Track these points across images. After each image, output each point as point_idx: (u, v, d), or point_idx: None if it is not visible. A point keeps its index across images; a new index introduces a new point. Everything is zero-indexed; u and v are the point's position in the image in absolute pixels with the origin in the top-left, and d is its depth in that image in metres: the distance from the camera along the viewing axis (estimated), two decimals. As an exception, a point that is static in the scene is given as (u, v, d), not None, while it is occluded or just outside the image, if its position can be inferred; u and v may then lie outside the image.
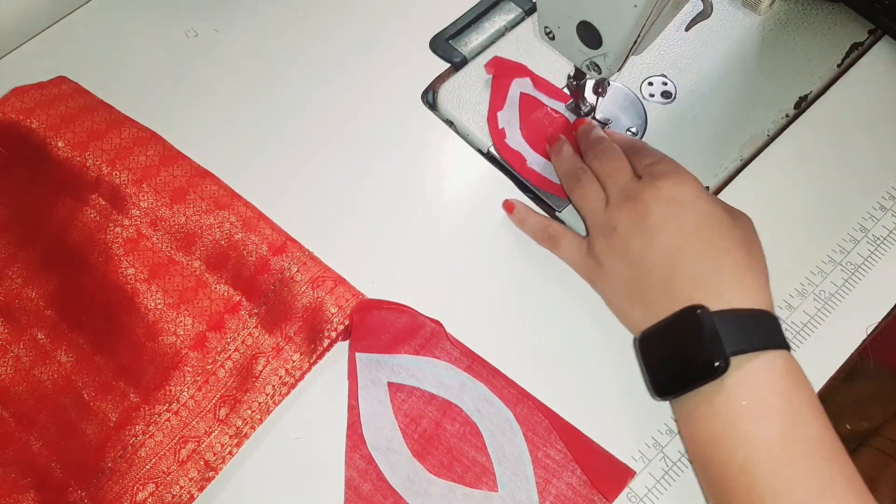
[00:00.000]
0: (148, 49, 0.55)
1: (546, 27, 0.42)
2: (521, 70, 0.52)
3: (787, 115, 0.50)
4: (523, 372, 0.43)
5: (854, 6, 0.53)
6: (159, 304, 0.44)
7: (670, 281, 0.39)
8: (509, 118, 0.50)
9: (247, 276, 0.44)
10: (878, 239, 0.46)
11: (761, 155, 0.49)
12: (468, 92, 0.52)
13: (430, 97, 0.53)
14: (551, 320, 0.45)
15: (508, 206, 0.47)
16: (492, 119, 0.50)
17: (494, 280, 0.46)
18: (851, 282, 0.45)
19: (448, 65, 0.54)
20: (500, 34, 0.55)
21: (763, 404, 0.36)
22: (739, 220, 0.41)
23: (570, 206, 0.48)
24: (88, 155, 0.47)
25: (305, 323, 0.43)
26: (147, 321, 0.43)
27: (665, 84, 0.52)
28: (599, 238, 0.43)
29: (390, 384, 0.43)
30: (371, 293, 0.44)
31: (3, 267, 0.48)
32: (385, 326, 0.43)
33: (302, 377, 0.43)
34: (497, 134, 0.50)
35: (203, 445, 0.41)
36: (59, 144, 0.47)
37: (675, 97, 0.51)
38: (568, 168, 0.46)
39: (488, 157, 0.50)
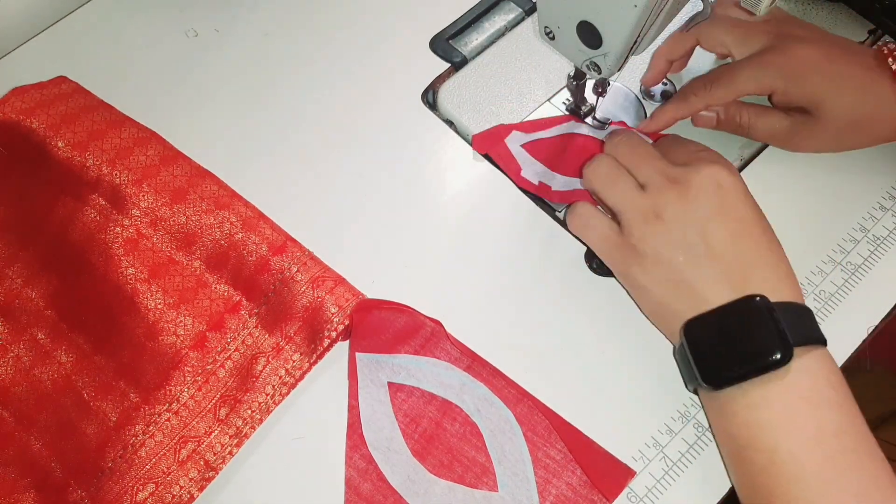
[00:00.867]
0: (148, 49, 0.55)
1: (546, 27, 0.42)
2: (501, 131, 0.50)
3: (787, 115, 0.50)
4: (523, 372, 0.43)
5: (854, 6, 0.53)
6: (159, 304, 0.44)
7: (725, 269, 0.39)
8: (536, 170, 0.49)
9: (247, 276, 0.44)
10: (878, 239, 0.46)
11: (761, 155, 0.49)
12: (468, 92, 0.52)
13: (430, 97, 0.53)
14: (551, 320, 0.45)
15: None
16: (522, 182, 0.48)
17: (494, 280, 0.46)
18: (851, 282, 0.45)
19: (448, 65, 0.54)
20: (500, 34, 0.55)
21: (820, 395, 0.36)
22: None
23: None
24: (88, 155, 0.47)
25: (305, 323, 0.43)
26: (147, 321, 0.43)
27: (665, 84, 0.52)
28: (639, 224, 0.41)
29: (390, 384, 0.43)
30: (371, 293, 0.44)
31: (3, 267, 0.48)
32: (385, 326, 0.43)
33: (302, 377, 0.43)
34: (540, 189, 0.48)
35: (203, 445, 0.41)
36: (59, 144, 0.47)
37: (675, 97, 0.51)
38: (588, 165, 0.45)
39: (488, 157, 0.50)
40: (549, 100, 0.52)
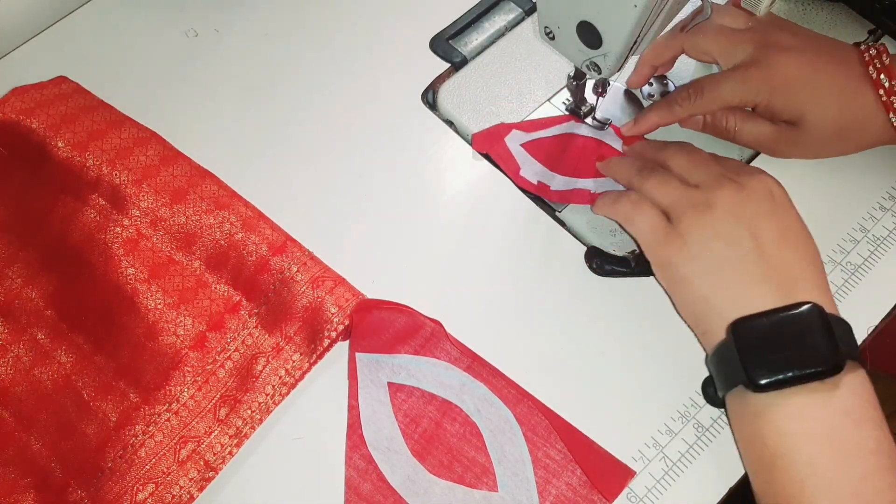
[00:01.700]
0: (148, 49, 0.55)
1: (546, 27, 0.42)
2: (500, 130, 0.50)
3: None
4: (523, 372, 0.43)
5: (854, 6, 0.53)
6: (159, 304, 0.44)
7: (771, 271, 0.39)
8: (535, 170, 0.49)
9: (247, 276, 0.44)
10: (878, 239, 0.46)
11: (761, 155, 0.49)
12: (468, 92, 0.52)
13: (430, 97, 0.53)
14: (551, 320, 0.45)
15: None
16: (521, 182, 0.48)
17: (494, 280, 0.46)
18: (851, 282, 0.45)
19: (448, 65, 0.54)
20: (500, 34, 0.55)
21: (863, 412, 0.36)
22: None
23: (570, 206, 0.48)
24: (88, 155, 0.47)
25: (305, 323, 0.43)
26: (147, 321, 0.43)
27: (665, 85, 0.52)
28: (689, 214, 0.41)
29: (390, 384, 0.43)
30: (371, 293, 0.44)
31: (3, 267, 0.48)
32: (385, 326, 0.43)
33: (302, 377, 0.43)
34: (539, 189, 0.48)
35: (203, 445, 0.41)
36: (59, 144, 0.47)
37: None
38: (629, 166, 0.45)
39: (487, 156, 0.50)
40: (549, 100, 0.52)
